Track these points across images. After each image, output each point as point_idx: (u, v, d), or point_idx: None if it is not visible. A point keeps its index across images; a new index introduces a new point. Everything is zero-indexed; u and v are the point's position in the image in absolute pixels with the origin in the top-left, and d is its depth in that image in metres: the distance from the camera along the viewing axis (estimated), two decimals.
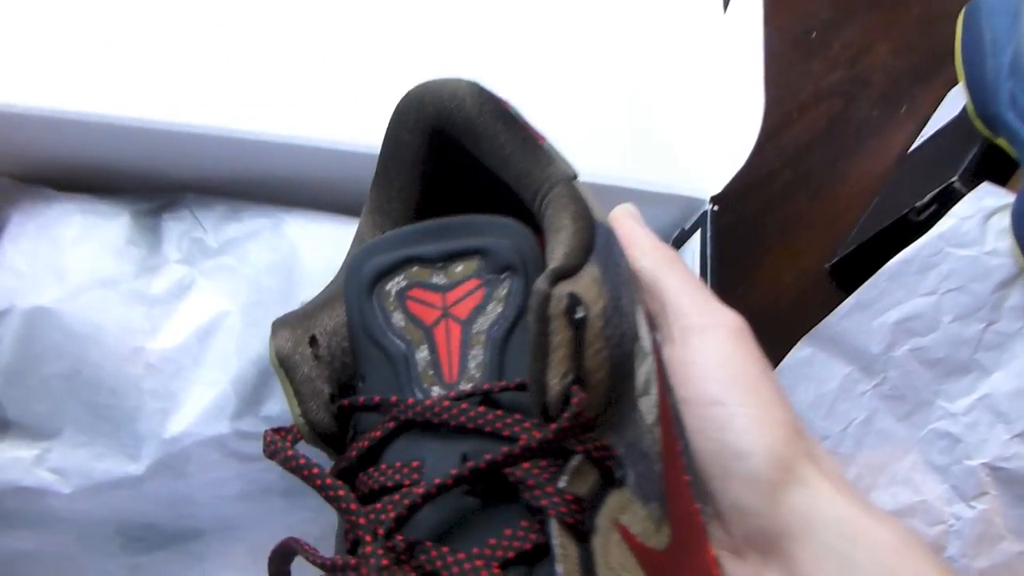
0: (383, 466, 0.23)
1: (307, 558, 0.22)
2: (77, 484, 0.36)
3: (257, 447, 0.38)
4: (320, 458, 0.25)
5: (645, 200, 0.39)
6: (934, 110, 0.52)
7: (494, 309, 0.24)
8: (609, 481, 0.23)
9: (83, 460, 0.36)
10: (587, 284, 0.24)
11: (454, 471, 0.21)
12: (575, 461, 0.22)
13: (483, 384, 0.23)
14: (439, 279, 0.25)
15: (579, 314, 0.22)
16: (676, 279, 0.29)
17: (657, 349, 0.28)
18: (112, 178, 0.40)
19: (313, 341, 0.25)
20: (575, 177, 0.27)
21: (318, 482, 0.22)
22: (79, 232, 0.37)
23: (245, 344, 0.37)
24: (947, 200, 0.43)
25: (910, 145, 0.53)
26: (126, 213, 0.38)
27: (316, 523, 0.41)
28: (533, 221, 0.27)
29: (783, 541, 0.26)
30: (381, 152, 0.28)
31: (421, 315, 0.24)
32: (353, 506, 0.22)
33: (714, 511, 0.27)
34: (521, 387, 0.23)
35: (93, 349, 0.36)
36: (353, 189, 0.40)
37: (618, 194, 0.40)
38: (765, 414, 0.27)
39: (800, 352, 0.46)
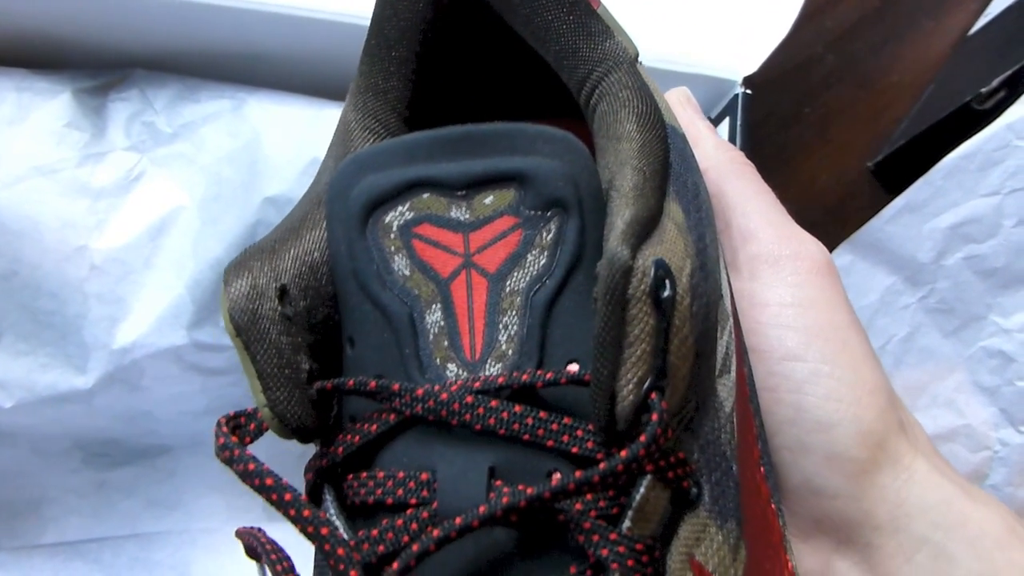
0: (379, 474, 0.18)
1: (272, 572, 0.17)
2: (19, 397, 0.33)
3: (220, 360, 0.35)
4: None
5: (665, 80, 0.34)
6: None
7: (535, 261, 0.18)
8: (682, 504, 0.18)
9: (25, 371, 0.33)
10: (672, 240, 0.18)
11: (483, 507, 0.16)
12: (643, 488, 0.17)
13: (518, 371, 0.17)
14: (460, 213, 0.18)
15: (666, 292, 0.17)
16: (745, 192, 0.25)
17: (732, 298, 0.22)
18: (51, 51, 0.36)
19: (283, 293, 0.18)
20: (637, 58, 0.21)
21: (292, 512, 0.17)
22: (12, 112, 0.33)
23: (202, 244, 0.33)
24: (1018, 85, 0.39)
25: (970, 27, 0.48)
26: (67, 91, 0.34)
27: None
28: (578, 115, 0.21)
29: (864, 530, 0.22)
30: (375, 10, 0.22)
31: (434, 263, 0.18)
32: (340, 549, 0.16)
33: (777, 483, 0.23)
34: (576, 381, 0.17)
35: (30, 247, 0.32)
36: (327, 65, 0.35)
37: None
38: (854, 376, 0.22)
39: (837, 260, 0.43)
